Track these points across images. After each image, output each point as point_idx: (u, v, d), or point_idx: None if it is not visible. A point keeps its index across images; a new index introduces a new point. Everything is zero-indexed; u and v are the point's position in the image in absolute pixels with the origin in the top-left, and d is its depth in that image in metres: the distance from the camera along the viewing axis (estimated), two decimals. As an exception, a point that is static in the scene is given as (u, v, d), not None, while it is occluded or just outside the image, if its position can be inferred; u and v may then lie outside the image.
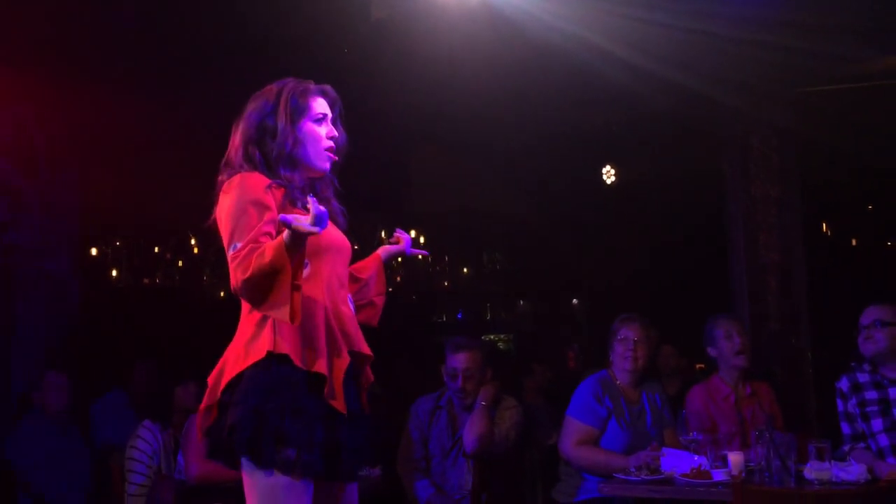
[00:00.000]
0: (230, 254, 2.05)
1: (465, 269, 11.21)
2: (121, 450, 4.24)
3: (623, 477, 3.18)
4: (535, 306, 11.60)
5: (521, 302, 11.92)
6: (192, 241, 8.13)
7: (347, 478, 2.17)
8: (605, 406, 3.58)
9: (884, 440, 3.27)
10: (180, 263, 8.28)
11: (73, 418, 4.62)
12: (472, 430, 3.74)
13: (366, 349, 2.24)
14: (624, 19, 4.15)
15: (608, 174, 7.60)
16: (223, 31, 4.42)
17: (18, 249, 5.24)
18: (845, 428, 3.41)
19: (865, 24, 4.40)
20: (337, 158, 2.32)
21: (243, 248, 2.02)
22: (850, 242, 9.18)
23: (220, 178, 2.23)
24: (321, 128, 2.29)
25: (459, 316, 11.48)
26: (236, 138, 2.27)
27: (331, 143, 2.30)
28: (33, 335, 5.38)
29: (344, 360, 2.13)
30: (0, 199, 5.10)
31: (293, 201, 2.17)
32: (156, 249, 8.20)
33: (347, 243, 2.33)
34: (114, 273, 7.83)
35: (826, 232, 8.88)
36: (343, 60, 4.74)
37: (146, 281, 8.11)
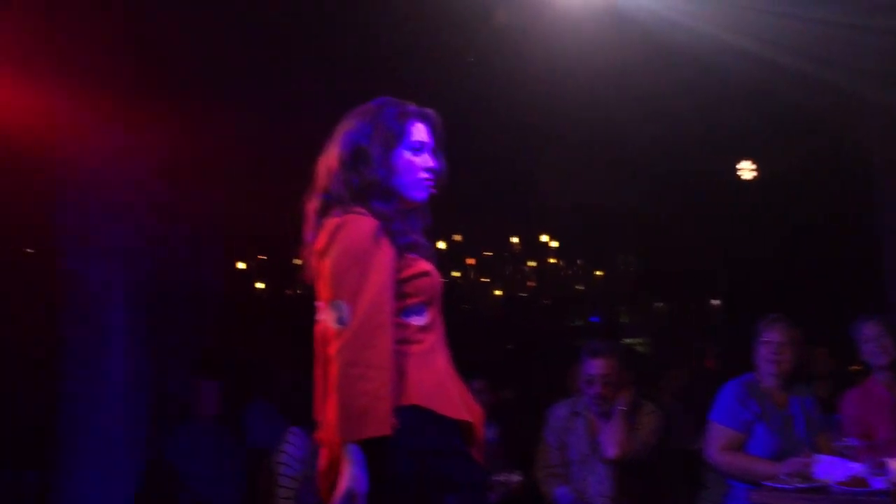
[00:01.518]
0: (334, 326, 1.91)
1: (598, 272, 11.06)
2: (271, 454, 4.44)
3: (774, 485, 3.04)
4: (672, 308, 11.31)
5: (657, 304, 11.65)
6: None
7: None
8: (751, 410, 3.45)
9: None
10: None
11: (226, 423, 4.87)
12: (611, 437, 3.69)
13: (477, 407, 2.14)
14: (754, 13, 4.00)
15: (746, 170, 7.32)
16: (346, 42, 4.54)
17: (171, 263, 5.59)
18: None
19: None
20: (434, 191, 2.14)
21: (350, 330, 1.88)
22: None
23: (323, 213, 2.07)
24: (417, 157, 2.11)
25: (593, 319, 11.34)
26: (332, 161, 2.10)
27: (426, 175, 2.11)
28: (186, 344, 5.72)
29: (477, 409, 2.06)
30: (154, 216, 5.46)
31: (399, 248, 2.01)
32: (296, 261, 8.54)
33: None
34: (258, 285, 8.21)
35: None
36: (466, 66, 4.80)
37: (288, 292, 8.46)
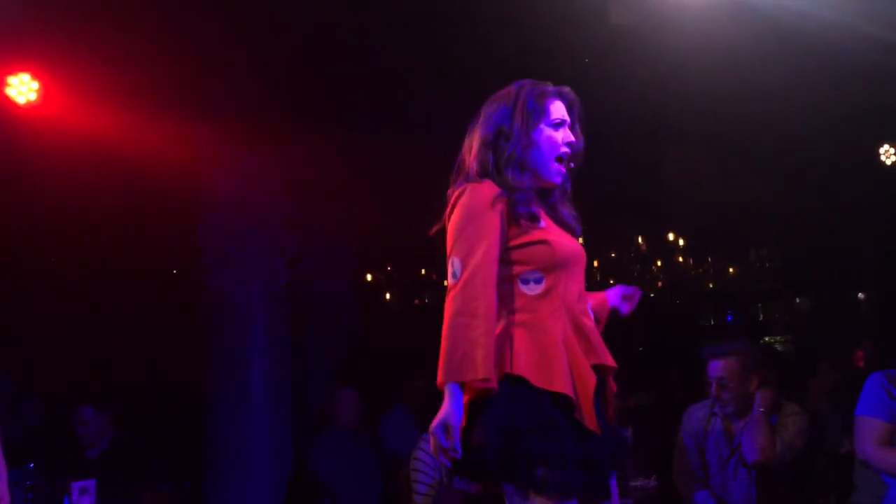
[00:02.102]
0: (449, 281, 2.05)
1: (730, 269, 10.67)
2: (407, 460, 4.54)
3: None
4: (815, 303, 10.76)
5: (798, 299, 11.11)
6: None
7: (601, 496, 2.08)
8: (896, 401, 3.25)
9: None
10: (445, 283, 8.71)
11: (364, 431, 5.01)
12: (751, 440, 3.56)
13: (610, 361, 2.15)
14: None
15: (887, 154, 6.90)
16: (462, 49, 4.60)
17: (307, 278, 5.82)
18: None
19: None
20: (572, 165, 2.22)
21: (460, 283, 2.01)
22: None
23: (451, 188, 2.19)
24: (558, 133, 2.19)
25: (729, 318, 10.94)
26: (473, 141, 2.21)
27: (566, 150, 2.19)
28: (322, 354, 5.93)
29: (591, 379, 2.04)
30: (291, 234, 5.72)
31: (517, 216, 2.09)
32: (422, 272, 8.70)
33: (582, 253, 2.21)
34: (387, 296, 8.42)
35: None
36: (583, 67, 4.76)
37: (416, 301, 8.62)
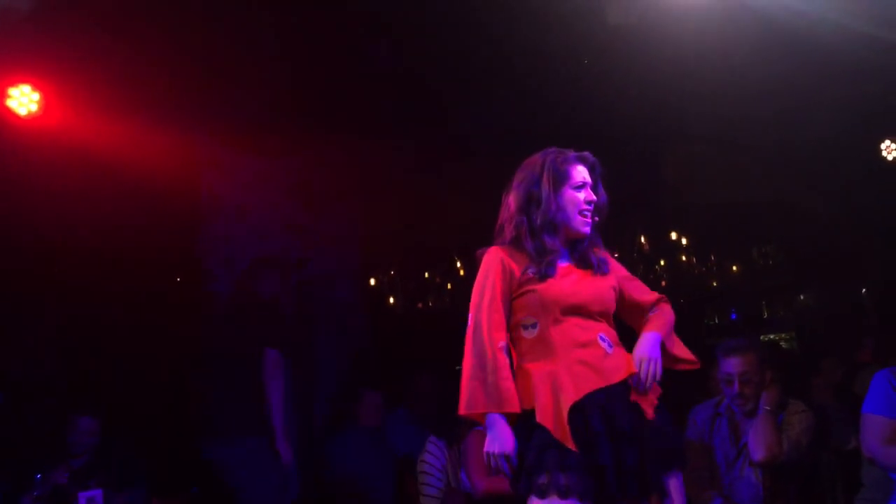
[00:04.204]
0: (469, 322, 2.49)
1: (734, 267, 10.65)
2: (409, 462, 4.55)
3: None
4: (818, 300, 10.73)
5: (802, 296, 11.09)
6: (458, 265, 8.52)
7: (628, 497, 2.38)
8: (907, 398, 3.24)
9: None
10: (449, 286, 8.71)
11: (384, 434, 5.03)
12: (757, 439, 3.56)
13: (618, 377, 2.46)
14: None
15: (888, 150, 6.89)
16: (461, 51, 4.61)
17: (313, 281, 5.84)
18: None
19: None
20: (597, 218, 2.59)
21: (469, 326, 2.46)
22: None
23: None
24: (580, 193, 2.55)
25: (733, 317, 10.92)
26: (511, 206, 2.57)
27: (588, 207, 2.56)
28: (329, 356, 5.94)
29: (566, 403, 2.38)
30: (297, 238, 5.73)
31: (533, 272, 2.49)
32: (426, 275, 8.70)
33: (597, 294, 2.55)
34: (391, 299, 8.41)
35: None
36: (582, 67, 4.77)
37: (420, 305, 8.63)
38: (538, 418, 2.38)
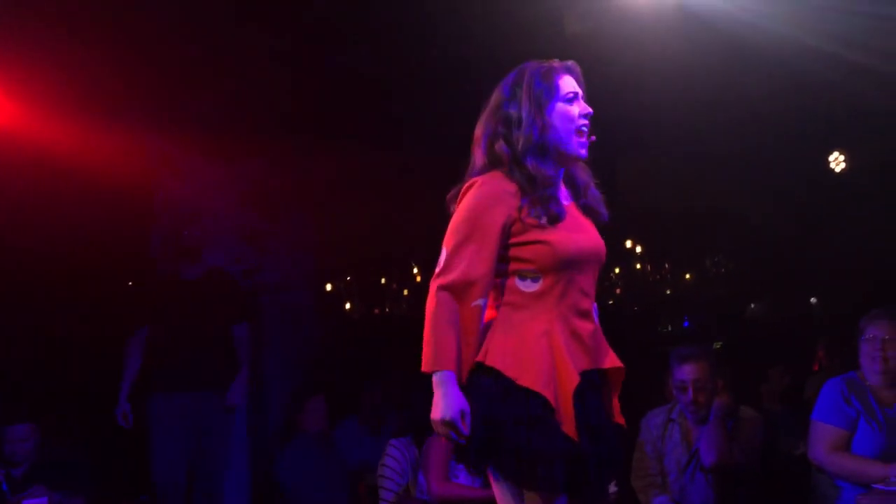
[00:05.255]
0: (437, 268, 2.00)
1: (687, 275, 10.82)
2: (366, 470, 4.52)
3: (885, 488, 2.93)
4: (768, 308, 10.95)
5: (752, 305, 11.30)
6: (415, 271, 8.53)
7: (594, 494, 2.04)
8: (854, 407, 3.32)
9: None
10: (406, 293, 8.70)
11: (331, 439, 5.00)
12: (708, 445, 3.61)
13: (610, 363, 2.10)
14: (826, 12, 3.89)
15: (836, 161, 7.07)
16: (418, 58, 4.61)
17: (265, 288, 5.78)
18: None
19: None
20: (594, 138, 2.11)
21: (441, 272, 1.97)
22: None
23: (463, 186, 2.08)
24: (573, 106, 2.08)
25: (686, 324, 11.09)
26: (478, 137, 2.11)
27: (585, 122, 2.08)
28: (281, 365, 5.88)
29: (571, 384, 1.96)
30: (249, 246, 5.67)
31: (539, 214, 2.01)
32: (382, 281, 8.69)
33: (599, 246, 2.12)
34: (347, 305, 8.38)
35: None
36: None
37: (377, 311, 8.61)
38: (531, 383, 1.93)
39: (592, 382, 2.06)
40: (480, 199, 2.01)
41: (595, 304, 2.16)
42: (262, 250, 5.74)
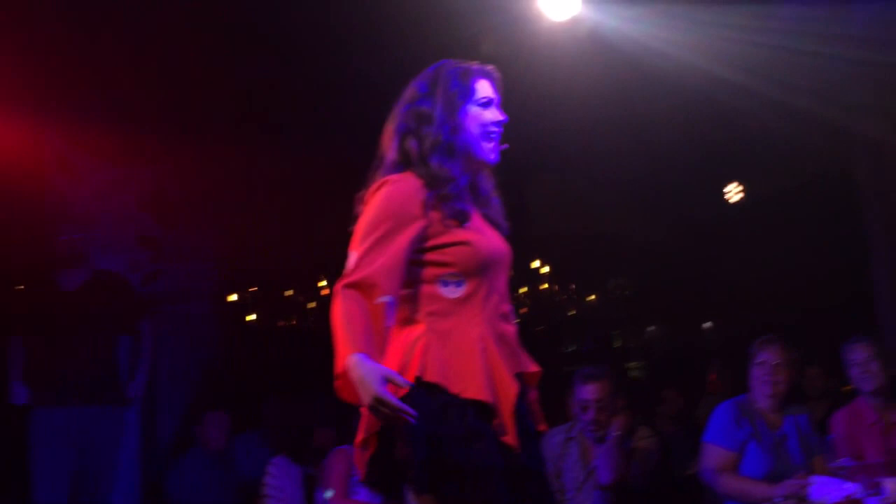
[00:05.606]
0: (346, 269, 1.89)
1: (591, 297, 11.05)
2: (258, 486, 4.42)
3: (770, 508, 3.04)
4: (665, 331, 11.29)
5: (651, 327, 11.63)
6: (323, 283, 8.41)
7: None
8: (743, 429, 3.45)
9: None
10: (312, 305, 8.57)
11: (229, 455, 4.85)
12: (606, 463, 3.67)
13: (532, 366, 2.04)
14: (739, 44, 4.08)
15: (734, 191, 7.38)
16: (328, 72, 4.58)
17: (162, 296, 5.60)
18: None
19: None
20: (506, 146, 2.06)
21: (347, 273, 1.86)
22: None
23: (373, 182, 2.00)
24: (487, 111, 2.04)
25: (587, 345, 11.32)
26: (389, 131, 2.04)
27: (497, 129, 2.04)
28: (178, 377, 5.70)
29: (512, 389, 1.90)
30: (145, 251, 5.48)
31: (445, 214, 1.94)
32: (289, 293, 8.53)
33: (507, 251, 2.06)
34: (251, 317, 8.19)
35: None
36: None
37: (281, 323, 8.45)
38: (477, 394, 1.84)
39: (521, 387, 1.98)
40: (389, 199, 1.93)
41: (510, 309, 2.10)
42: (161, 256, 5.56)
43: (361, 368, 1.76)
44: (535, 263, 10.33)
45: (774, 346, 3.53)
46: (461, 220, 1.96)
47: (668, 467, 4.26)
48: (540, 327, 10.08)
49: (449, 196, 1.95)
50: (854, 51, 4.20)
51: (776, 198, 7.20)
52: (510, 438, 1.87)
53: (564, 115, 4.89)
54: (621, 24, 4.08)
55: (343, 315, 1.83)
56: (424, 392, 1.85)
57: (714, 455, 3.46)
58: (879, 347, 3.66)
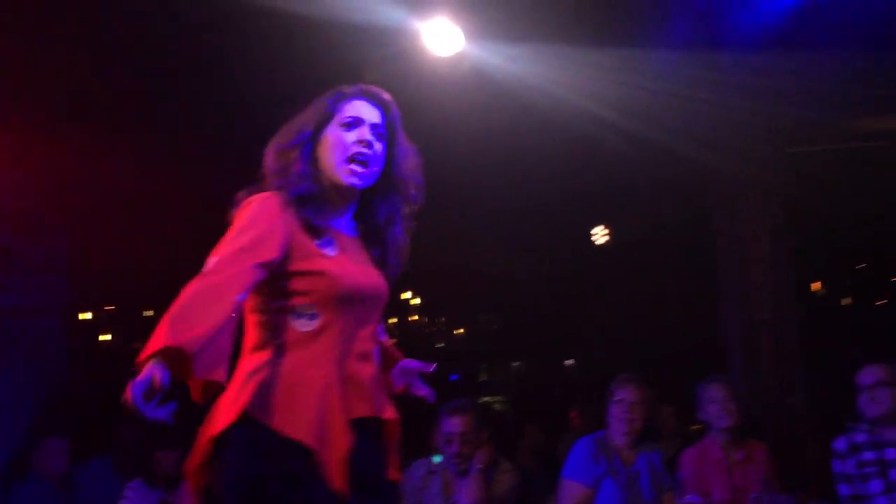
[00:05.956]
0: (205, 266, 1.78)
1: (459, 330, 11.17)
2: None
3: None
4: (530, 367, 11.54)
5: (516, 362, 11.86)
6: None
7: None
8: (600, 466, 3.53)
9: (882, 502, 3.23)
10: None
11: (69, 482, 4.58)
12: (467, 495, 3.68)
13: (386, 413, 1.95)
14: (614, 85, 4.24)
15: (600, 234, 7.66)
16: (217, 90, 4.46)
17: (8, 311, 5.24)
18: (843, 489, 3.36)
19: (848, 87, 4.51)
20: (369, 169, 1.95)
21: (207, 271, 1.74)
22: (841, 302, 9.21)
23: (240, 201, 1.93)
24: (350, 133, 1.96)
25: (454, 377, 11.41)
26: (269, 150, 1.99)
27: (361, 149, 1.94)
28: (20, 397, 5.34)
29: (344, 436, 1.80)
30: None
31: (312, 229, 1.88)
32: (148, 313, 8.18)
33: (380, 285, 1.98)
34: (105, 337, 7.78)
35: (818, 290, 8.91)
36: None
37: (137, 345, 8.08)
38: (300, 435, 1.75)
39: (370, 432, 1.90)
40: (253, 215, 1.85)
41: (376, 349, 2.02)
42: (8, 267, 5.19)
43: (149, 368, 1.61)
44: (407, 294, 10.35)
45: (632, 384, 3.65)
46: (315, 233, 1.88)
47: (527, 502, 4.31)
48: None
49: (307, 218, 1.88)
50: (719, 95, 4.45)
51: (639, 242, 7.52)
52: (337, 484, 1.77)
53: (442, 149, 4.91)
54: (503, 62, 4.17)
55: (189, 296, 1.68)
56: (249, 427, 1.76)
57: (571, 490, 3.53)
58: (735, 388, 3.85)
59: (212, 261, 1.78)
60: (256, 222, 1.83)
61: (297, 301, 1.85)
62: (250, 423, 1.77)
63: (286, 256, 1.84)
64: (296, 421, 1.77)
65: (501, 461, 3.90)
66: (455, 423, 3.74)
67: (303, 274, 1.85)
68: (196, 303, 1.68)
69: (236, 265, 1.75)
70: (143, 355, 1.64)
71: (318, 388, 1.81)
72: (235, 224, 1.86)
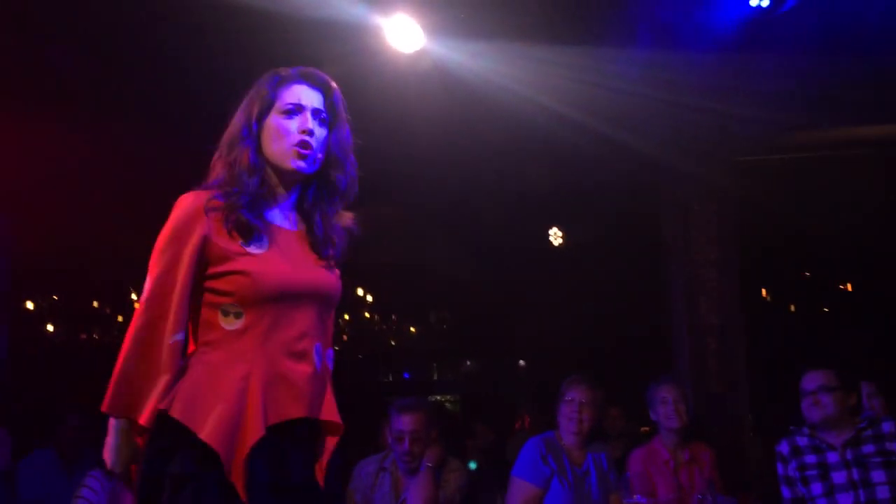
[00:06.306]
0: (143, 290, 1.82)
1: (412, 328, 11.16)
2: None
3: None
4: (482, 366, 11.58)
5: (468, 362, 11.89)
6: (133, 297, 7.96)
7: None
8: (549, 465, 3.56)
9: (823, 504, 3.31)
10: (120, 319, 8.09)
11: (12, 475, 4.46)
12: (417, 494, 3.67)
13: (327, 415, 1.90)
14: (574, 83, 4.27)
15: (555, 236, 7.72)
16: (172, 81, 4.39)
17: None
18: (785, 492, 3.43)
19: (803, 95, 4.61)
20: (312, 155, 1.91)
21: (141, 300, 1.81)
22: (788, 307, 9.43)
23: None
24: (291, 121, 1.90)
25: (406, 375, 11.39)
26: (220, 147, 1.93)
27: (303, 138, 1.89)
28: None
29: (253, 436, 1.74)
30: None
31: (229, 227, 1.83)
32: (94, 304, 8.02)
33: (320, 281, 1.93)
34: (49, 327, 7.61)
35: (765, 297, 9.10)
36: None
37: (83, 336, 7.91)
38: (205, 435, 1.71)
39: (299, 434, 1.85)
40: (176, 220, 1.82)
41: (328, 337, 1.98)
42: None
43: (117, 439, 1.85)
44: (360, 291, 10.30)
45: (581, 385, 3.68)
46: (245, 236, 1.83)
47: (476, 500, 4.32)
48: (359, 356, 10.04)
49: (235, 207, 1.83)
50: (676, 96, 4.51)
51: (591, 244, 7.59)
52: (238, 482, 1.73)
53: (402, 145, 4.92)
54: (464, 59, 4.18)
55: (130, 354, 1.80)
56: (164, 428, 1.75)
57: (520, 489, 3.55)
58: (684, 389, 3.90)
59: (148, 282, 1.82)
60: (172, 242, 1.81)
61: (221, 300, 1.83)
62: (166, 420, 1.75)
63: (205, 263, 1.82)
64: (206, 420, 1.73)
65: (450, 460, 3.90)
66: (406, 421, 3.73)
67: (225, 275, 1.82)
68: (139, 369, 1.79)
69: (164, 301, 1.79)
70: (109, 408, 1.79)
71: (235, 387, 1.77)
72: (161, 234, 1.84)
